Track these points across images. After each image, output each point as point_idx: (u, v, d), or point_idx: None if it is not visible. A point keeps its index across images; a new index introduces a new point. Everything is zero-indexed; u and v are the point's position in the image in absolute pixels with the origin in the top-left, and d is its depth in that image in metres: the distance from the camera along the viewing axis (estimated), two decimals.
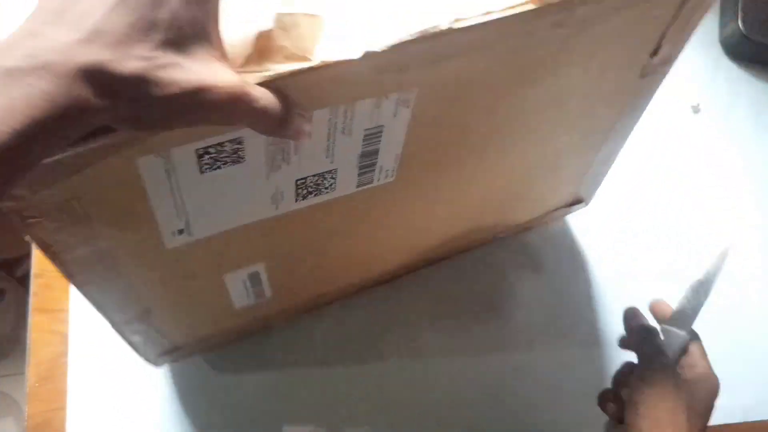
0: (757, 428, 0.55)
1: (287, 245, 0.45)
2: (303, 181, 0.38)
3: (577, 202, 0.59)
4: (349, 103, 0.34)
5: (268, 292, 0.48)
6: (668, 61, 0.43)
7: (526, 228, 0.61)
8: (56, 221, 0.31)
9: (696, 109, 0.65)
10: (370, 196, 0.42)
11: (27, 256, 0.54)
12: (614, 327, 0.57)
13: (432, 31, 0.31)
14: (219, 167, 0.34)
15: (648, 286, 0.55)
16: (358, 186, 0.41)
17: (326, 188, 0.40)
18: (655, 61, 0.42)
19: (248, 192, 0.37)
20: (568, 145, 0.49)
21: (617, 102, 0.46)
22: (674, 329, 0.44)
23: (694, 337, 0.45)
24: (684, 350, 0.43)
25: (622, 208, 0.63)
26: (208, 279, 0.44)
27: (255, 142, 0.33)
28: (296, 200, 0.40)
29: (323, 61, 0.29)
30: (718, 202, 0.64)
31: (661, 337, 0.44)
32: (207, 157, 0.33)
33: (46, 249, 0.33)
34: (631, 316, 0.47)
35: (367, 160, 0.39)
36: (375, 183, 0.42)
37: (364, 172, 0.40)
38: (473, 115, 0.40)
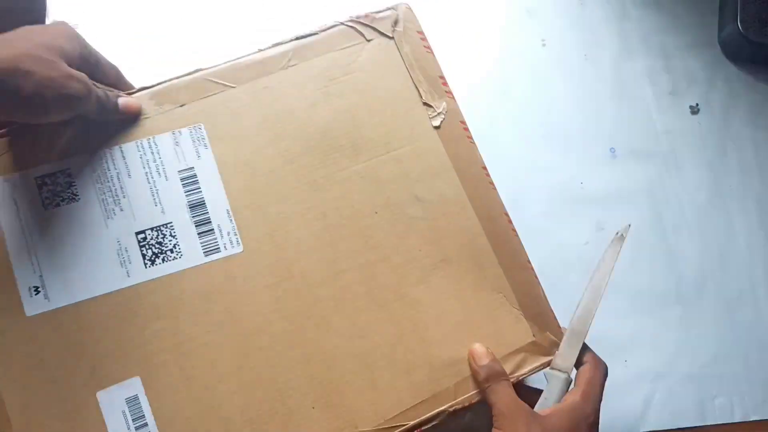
0: (757, 428, 0.56)
1: (158, 349, 0.41)
2: (144, 236, 0.42)
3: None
4: (149, 136, 0.44)
5: None
6: None
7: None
8: None
9: (695, 110, 0.66)
10: (226, 276, 0.42)
11: None
12: None
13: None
14: (59, 204, 0.42)
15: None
16: (205, 253, 0.42)
17: (171, 250, 0.42)
18: None
19: (92, 243, 0.42)
20: None
21: None
22: (555, 372, 0.43)
23: (588, 369, 0.43)
24: (566, 389, 0.42)
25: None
26: (77, 391, 0.40)
27: (84, 175, 0.42)
28: (145, 265, 0.42)
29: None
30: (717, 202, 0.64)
31: (546, 381, 0.43)
32: (46, 189, 0.42)
33: None
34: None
35: (199, 213, 0.43)
36: (223, 251, 0.43)
37: (204, 232, 0.43)
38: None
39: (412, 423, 0.41)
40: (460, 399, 0.42)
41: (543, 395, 0.43)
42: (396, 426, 0.41)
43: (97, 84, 0.41)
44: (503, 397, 0.40)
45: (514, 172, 0.60)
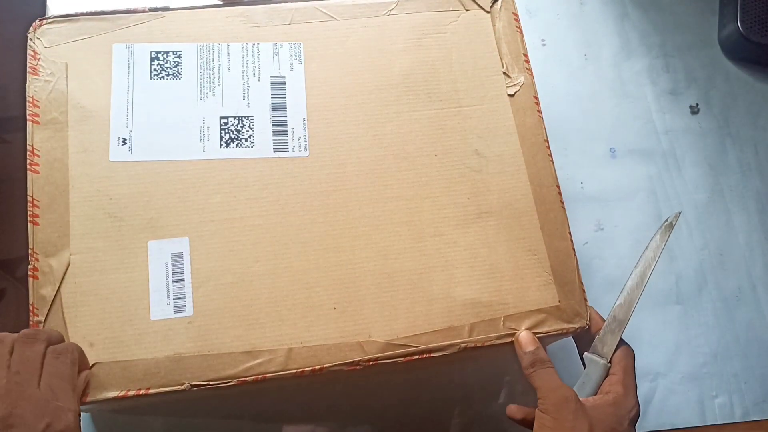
0: (757, 428, 0.55)
1: (211, 219, 0.44)
2: (226, 121, 0.47)
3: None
4: (255, 42, 0.49)
5: (189, 298, 0.42)
6: None
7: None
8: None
9: (695, 110, 0.66)
10: (288, 173, 0.46)
11: (27, 256, 0.53)
12: None
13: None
14: (163, 77, 0.47)
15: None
16: (275, 149, 0.46)
17: (246, 140, 0.46)
18: None
19: (182, 115, 0.46)
20: None
21: None
22: (595, 357, 0.43)
23: (622, 357, 0.43)
24: (605, 375, 0.43)
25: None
26: (133, 233, 0.43)
27: (191, 59, 0.48)
28: (221, 145, 0.46)
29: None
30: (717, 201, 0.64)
31: (584, 366, 0.44)
32: (156, 63, 0.47)
33: None
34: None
35: (279, 115, 0.47)
36: (290, 152, 0.46)
37: (279, 132, 0.47)
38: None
39: (422, 347, 0.42)
40: (474, 338, 0.43)
41: (581, 379, 0.43)
42: (407, 345, 0.42)
43: None
44: (548, 382, 0.41)
45: None
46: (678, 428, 0.54)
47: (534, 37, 0.66)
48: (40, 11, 0.60)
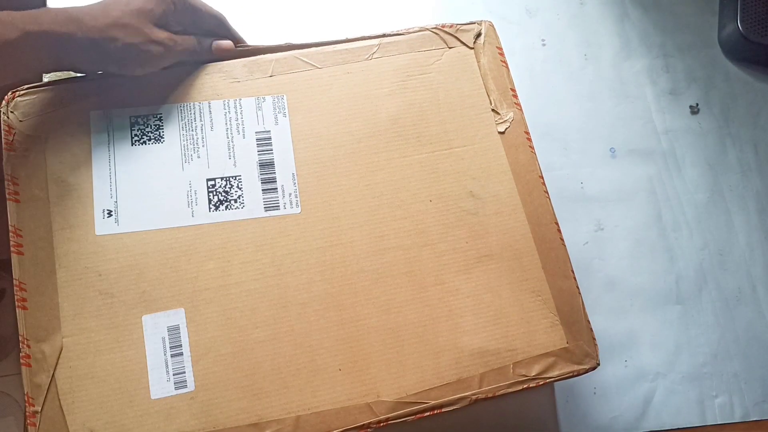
0: (757, 428, 0.55)
1: (206, 287, 0.43)
2: (213, 183, 0.45)
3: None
4: (236, 98, 0.48)
5: (189, 372, 0.41)
6: None
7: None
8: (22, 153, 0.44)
9: (695, 110, 0.66)
10: (281, 232, 0.45)
11: None
12: None
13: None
14: (145, 142, 0.46)
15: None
16: (266, 208, 0.45)
17: (235, 201, 0.45)
18: None
19: (167, 181, 0.45)
20: None
21: None
22: None
23: None
24: None
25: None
26: (126, 309, 0.42)
27: (172, 121, 0.47)
28: (210, 209, 0.45)
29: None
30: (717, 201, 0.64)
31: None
32: (137, 128, 0.46)
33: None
34: None
35: (267, 172, 0.46)
36: (282, 210, 0.45)
37: (268, 190, 0.46)
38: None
39: (433, 402, 0.41)
40: (484, 389, 0.42)
41: None
42: (417, 402, 0.41)
43: (192, 34, 0.47)
44: None
45: None
46: (678, 428, 0.54)
47: (534, 37, 0.66)
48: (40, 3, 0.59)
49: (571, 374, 0.43)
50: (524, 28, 0.66)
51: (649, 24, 0.68)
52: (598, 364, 0.43)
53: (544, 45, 0.66)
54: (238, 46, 0.49)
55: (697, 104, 0.66)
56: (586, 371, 0.43)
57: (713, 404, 0.55)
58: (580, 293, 0.45)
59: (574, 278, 0.46)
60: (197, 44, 0.47)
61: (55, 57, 0.41)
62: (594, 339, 0.44)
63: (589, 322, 0.44)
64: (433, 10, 0.65)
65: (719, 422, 0.54)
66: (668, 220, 0.61)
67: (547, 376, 0.43)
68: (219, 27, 0.49)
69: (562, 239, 0.46)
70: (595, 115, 0.64)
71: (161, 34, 0.44)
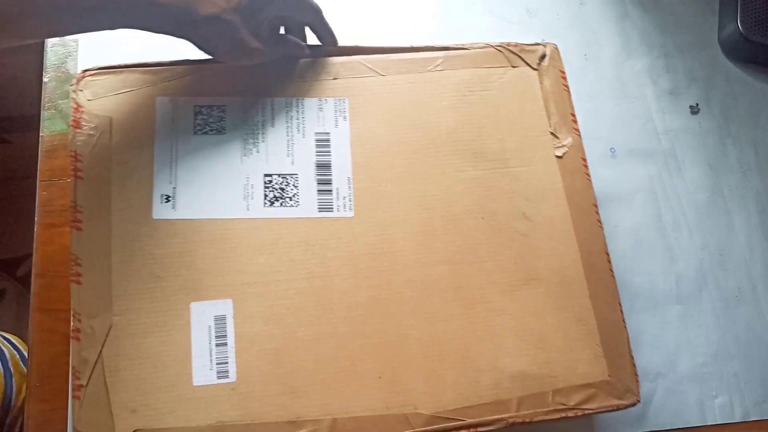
0: (758, 428, 0.55)
1: (255, 281, 0.44)
2: (270, 179, 0.46)
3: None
4: (300, 97, 0.48)
5: (232, 363, 0.42)
6: None
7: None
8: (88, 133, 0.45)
9: (695, 110, 0.66)
10: (333, 234, 0.45)
11: (27, 256, 0.53)
12: None
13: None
14: (207, 132, 0.47)
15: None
16: (320, 209, 0.46)
17: (290, 198, 0.46)
18: None
19: (225, 172, 0.46)
20: None
21: None
22: None
23: None
24: None
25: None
26: (175, 294, 0.42)
27: (234, 114, 0.47)
28: (264, 204, 0.45)
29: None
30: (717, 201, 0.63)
31: None
32: (200, 117, 0.47)
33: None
34: None
35: (324, 173, 0.47)
36: (335, 212, 0.46)
37: (323, 191, 0.46)
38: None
39: (470, 421, 0.41)
40: (522, 413, 0.42)
41: None
42: (454, 419, 0.41)
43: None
44: None
45: None
46: (678, 428, 0.53)
47: (534, 37, 0.65)
48: None
49: (610, 408, 0.43)
50: (524, 28, 0.66)
51: (649, 24, 0.68)
52: (639, 401, 0.43)
53: None
54: (327, 43, 0.50)
55: (697, 104, 0.66)
56: (626, 407, 0.43)
57: (713, 404, 0.55)
58: (626, 327, 0.45)
59: (621, 311, 0.45)
60: (296, 45, 0.48)
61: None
62: (636, 375, 0.44)
63: (632, 357, 0.44)
64: (434, 10, 0.65)
65: (719, 422, 0.54)
66: (668, 220, 0.61)
67: (586, 407, 0.42)
68: (315, 20, 0.49)
69: (612, 270, 0.46)
70: (595, 115, 0.63)
71: (255, 41, 0.44)
